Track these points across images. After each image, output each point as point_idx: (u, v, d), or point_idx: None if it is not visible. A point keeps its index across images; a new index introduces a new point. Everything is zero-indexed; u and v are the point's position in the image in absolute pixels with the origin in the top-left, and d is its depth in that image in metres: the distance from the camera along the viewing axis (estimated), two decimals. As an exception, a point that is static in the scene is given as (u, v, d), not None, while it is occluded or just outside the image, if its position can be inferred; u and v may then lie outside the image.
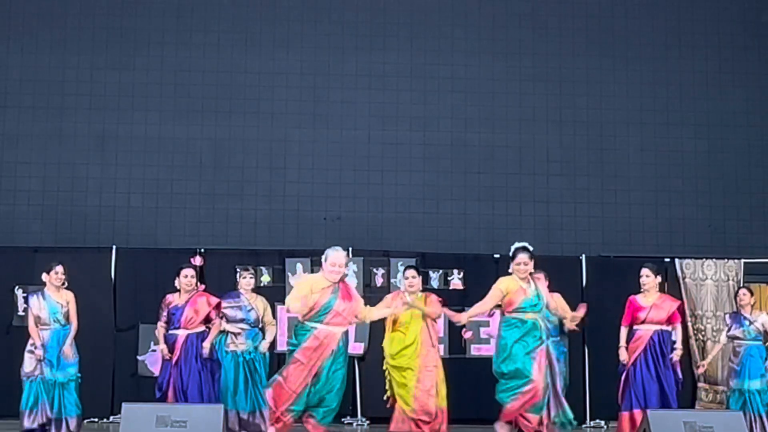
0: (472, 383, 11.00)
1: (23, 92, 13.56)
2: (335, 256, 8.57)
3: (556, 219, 13.73)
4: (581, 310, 9.25)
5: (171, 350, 9.42)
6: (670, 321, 9.62)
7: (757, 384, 10.26)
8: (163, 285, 10.19)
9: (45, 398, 9.26)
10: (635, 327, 9.60)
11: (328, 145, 13.76)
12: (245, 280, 10.07)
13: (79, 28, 13.75)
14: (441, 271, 12.37)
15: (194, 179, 13.57)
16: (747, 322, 10.40)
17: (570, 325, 9.64)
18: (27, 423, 9.28)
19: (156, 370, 10.66)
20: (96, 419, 11.69)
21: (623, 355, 9.56)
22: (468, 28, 14.11)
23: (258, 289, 10.53)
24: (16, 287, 11.86)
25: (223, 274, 11.75)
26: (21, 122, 13.52)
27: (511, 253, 8.95)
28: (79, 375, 9.46)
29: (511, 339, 8.73)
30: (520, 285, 8.84)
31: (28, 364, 9.35)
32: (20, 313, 11.57)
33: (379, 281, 12.20)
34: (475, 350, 12.10)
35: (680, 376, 9.56)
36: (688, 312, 12.39)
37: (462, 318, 9.13)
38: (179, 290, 9.60)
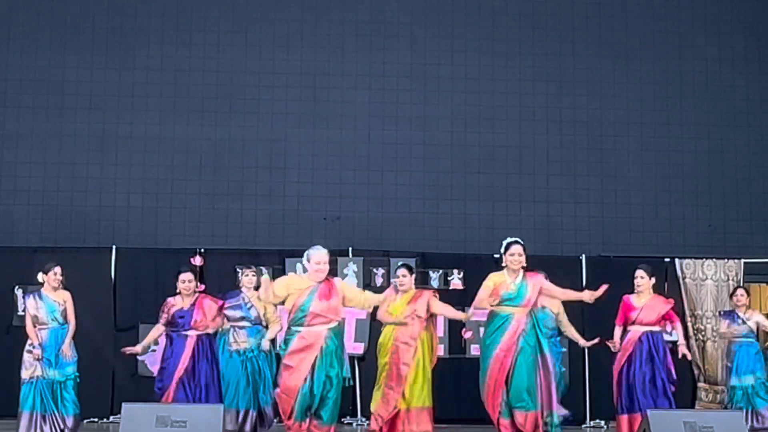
0: (472, 383, 10.97)
1: (23, 92, 13.56)
2: (318, 255, 8.49)
3: (556, 219, 13.74)
4: (602, 289, 8.83)
5: (181, 351, 9.36)
6: (664, 321, 9.62)
7: (751, 379, 10.44)
8: (163, 285, 10.20)
9: (43, 398, 9.27)
10: (628, 327, 9.62)
11: (328, 145, 13.76)
12: (247, 278, 10.06)
13: (79, 28, 13.75)
14: (441, 271, 12.38)
15: (194, 179, 13.57)
16: (740, 321, 10.61)
17: (590, 298, 8.94)
18: (25, 424, 9.29)
19: (155, 370, 10.64)
20: (96, 419, 11.70)
21: (613, 344, 9.63)
22: (468, 28, 14.12)
23: (259, 288, 10.50)
24: (16, 287, 11.88)
25: (223, 274, 11.76)
26: (21, 122, 13.52)
27: (503, 247, 8.96)
28: (77, 374, 9.47)
29: (487, 334, 8.84)
30: (506, 279, 8.86)
31: (27, 365, 9.36)
32: (20, 313, 11.55)
33: (379, 281, 12.20)
34: (475, 350, 12.06)
35: (674, 376, 9.54)
36: (688, 312, 12.41)
37: (461, 315, 9.44)
38: (179, 293, 9.57)
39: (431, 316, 9.55)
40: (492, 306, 8.84)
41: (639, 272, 9.62)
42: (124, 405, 8.23)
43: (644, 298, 9.60)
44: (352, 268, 12.20)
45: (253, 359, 9.84)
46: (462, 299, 11.70)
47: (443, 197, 13.73)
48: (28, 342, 9.42)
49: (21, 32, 13.68)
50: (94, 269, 11.99)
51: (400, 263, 10.02)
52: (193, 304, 9.45)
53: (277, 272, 12.08)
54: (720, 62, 14.26)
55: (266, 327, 9.95)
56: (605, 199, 13.86)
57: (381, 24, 14.04)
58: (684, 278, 12.53)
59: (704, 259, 12.67)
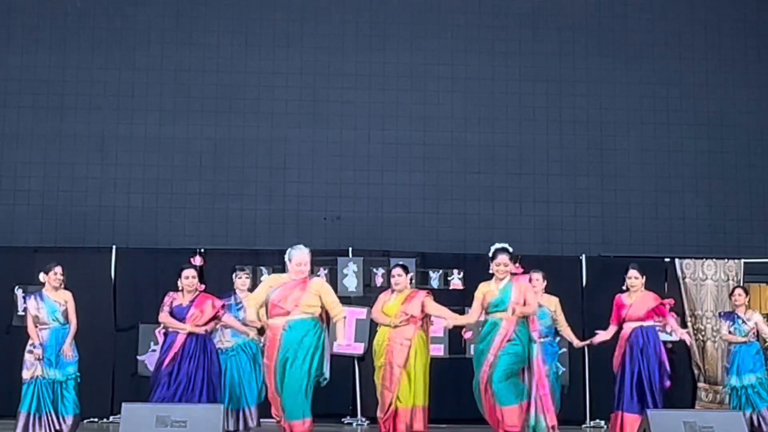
0: (471, 383, 10.98)
1: (23, 92, 13.56)
2: (299, 256, 8.44)
3: (556, 219, 13.73)
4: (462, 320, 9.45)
5: (171, 346, 9.37)
6: (652, 316, 9.65)
7: (752, 378, 10.45)
8: (163, 285, 10.18)
9: (43, 398, 9.27)
10: (623, 326, 9.66)
11: (328, 145, 13.76)
12: (240, 280, 10.19)
13: (79, 28, 13.75)
14: (441, 271, 12.37)
15: (194, 179, 13.57)
16: (740, 321, 10.62)
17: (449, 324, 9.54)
18: (22, 424, 9.28)
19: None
20: (96, 419, 11.70)
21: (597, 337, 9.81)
22: (468, 28, 14.11)
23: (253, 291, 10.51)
24: (16, 287, 11.86)
25: (223, 274, 11.73)
26: (21, 122, 13.52)
27: (491, 254, 8.98)
28: (78, 374, 9.47)
29: (479, 340, 8.90)
30: (492, 286, 8.91)
31: (28, 365, 9.35)
32: (20, 313, 11.55)
33: (379, 281, 12.19)
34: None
35: (668, 369, 9.53)
36: (688, 312, 12.41)
37: (449, 323, 9.37)
38: (181, 290, 9.59)
39: (426, 317, 9.54)
40: (486, 315, 8.93)
41: (632, 272, 9.68)
42: (124, 405, 8.23)
43: (635, 295, 9.66)
44: (352, 268, 12.19)
45: (233, 358, 9.88)
46: (462, 299, 11.69)
47: (443, 197, 13.73)
48: (29, 342, 9.42)
49: (21, 32, 13.68)
50: (94, 269, 11.98)
51: (395, 263, 10.04)
52: (192, 301, 9.47)
53: (277, 272, 12.07)
54: (720, 62, 14.25)
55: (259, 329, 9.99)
56: (605, 199, 13.85)
57: (381, 24, 14.03)
58: (684, 278, 12.53)
59: (704, 259, 12.67)
